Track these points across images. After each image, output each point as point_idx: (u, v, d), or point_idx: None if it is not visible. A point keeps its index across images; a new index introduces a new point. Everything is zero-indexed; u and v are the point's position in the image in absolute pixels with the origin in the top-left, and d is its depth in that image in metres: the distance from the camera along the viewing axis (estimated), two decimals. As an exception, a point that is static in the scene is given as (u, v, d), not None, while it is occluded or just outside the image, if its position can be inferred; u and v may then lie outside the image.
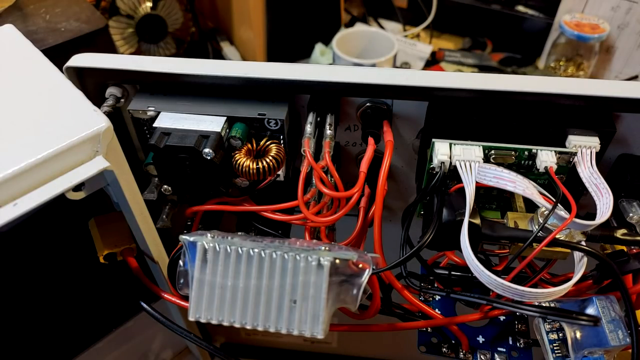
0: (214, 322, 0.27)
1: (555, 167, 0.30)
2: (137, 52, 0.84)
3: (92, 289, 0.44)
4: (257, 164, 0.32)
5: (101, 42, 0.57)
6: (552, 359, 0.30)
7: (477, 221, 0.29)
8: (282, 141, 0.34)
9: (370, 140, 0.33)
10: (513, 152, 0.31)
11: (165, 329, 0.35)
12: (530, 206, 0.31)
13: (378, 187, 0.31)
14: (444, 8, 0.98)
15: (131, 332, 0.50)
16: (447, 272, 0.37)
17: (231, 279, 0.27)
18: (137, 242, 0.37)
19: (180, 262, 0.28)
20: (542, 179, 0.32)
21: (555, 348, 0.30)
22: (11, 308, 0.40)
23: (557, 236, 0.28)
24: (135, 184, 0.32)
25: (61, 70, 0.32)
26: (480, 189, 0.34)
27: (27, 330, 0.42)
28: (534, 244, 0.29)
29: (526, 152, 0.31)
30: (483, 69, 0.92)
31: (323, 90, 0.33)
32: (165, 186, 0.35)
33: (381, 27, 1.03)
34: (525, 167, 0.32)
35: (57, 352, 0.45)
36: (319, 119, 0.34)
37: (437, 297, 0.38)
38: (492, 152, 0.31)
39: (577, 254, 0.29)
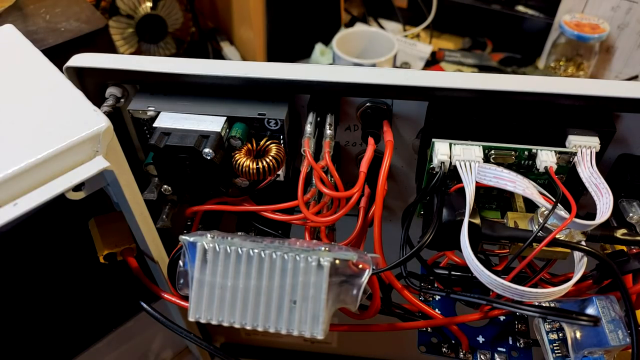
0: (213, 322, 0.27)
1: (555, 167, 0.30)
2: (137, 52, 0.84)
3: (92, 289, 0.44)
4: (257, 164, 0.32)
5: (101, 42, 0.57)
6: (552, 359, 0.30)
7: (477, 221, 0.29)
8: (282, 141, 0.34)
9: (370, 140, 0.33)
10: (513, 152, 0.31)
11: (165, 329, 0.35)
12: (530, 206, 0.31)
13: (378, 187, 0.31)
14: (444, 8, 0.98)
15: (131, 332, 0.50)
16: (447, 272, 0.37)
17: (231, 279, 0.27)
18: (137, 242, 0.37)
19: (180, 262, 0.28)
20: (542, 179, 0.32)
21: (555, 348, 0.30)
22: (11, 308, 0.40)
23: (557, 236, 0.28)
24: (135, 184, 0.32)
25: (61, 70, 0.32)
26: (480, 189, 0.34)
27: (27, 330, 0.42)
28: (534, 244, 0.29)
29: (526, 152, 0.31)
30: (483, 69, 0.92)
31: (323, 90, 0.33)
32: (165, 186, 0.35)
33: (381, 27, 1.03)
34: (525, 167, 0.32)
35: (57, 352, 0.45)
36: (319, 119, 0.34)
37: (437, 297, 0.38)
38: (492, 152, 0.31)
39: (577, 254, 0.29)
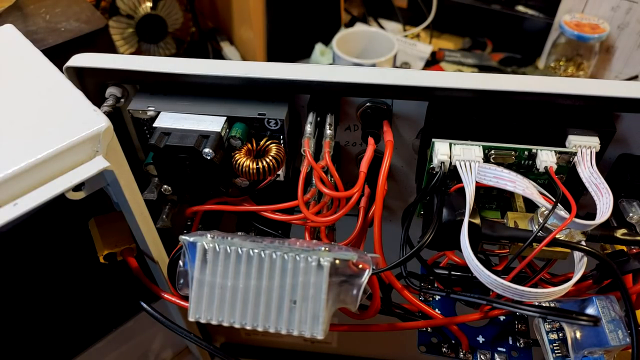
0: (213, 322, 0.27)
1: (555, 167, 0.30)
2: (137, 52, 0.84)
3: (92, 289, 0.44)
4: (257, 164, 0.32)
5: (101, 42, 0.57)
6: (552, 359, 0.30)
7: (477, 221, 0.29)
8: (282, 141, 0.34)
9: (370, 140, 0.33)
10: (513, 152, 0.31)
11: (165, 329, 0.35)
12: (530, 206, 0.31)
13: (378, 187, 0.31)
14: (444, 8, 0.98)
15: (131, 332, 0.50)
16: (447, 272, 0.37)
17: (231, 279, 0.27)
18: (137, 242, 0.37)
19: (180, 263, 0.28)
20: (542, 179, 0.32)
21: (555, 348, 0.30)
22: (11, 308, 0.40)
23: (557, 236, 0.28)
24: (135, 184, 0.32)
25: (61, 70, 0.32)
26: (480, 189, 0.34)
27: (27, 330, 0.42)
28: (534, 244, 0.29)
29: (526, 152, 0.31)
30: (483, 69, 0.92)
31: (323, 90, 0.33)
32: (165, 186, 0.35)
33: (381, 27, 1.03)
34: (525, 167, 0.32)
35: (57, 352, 0.45)
36: (319, 119, 0.34)
37: (437, 297, 0.38)
38: (492, 152, 0.31)
39: (577, 254, 0.29)
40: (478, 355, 0.36)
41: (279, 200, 0.34)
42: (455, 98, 0.32)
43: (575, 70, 0.89)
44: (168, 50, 0.88)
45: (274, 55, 0.90)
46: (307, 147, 0.32)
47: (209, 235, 0.28)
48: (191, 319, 0.27)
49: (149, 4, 0.82)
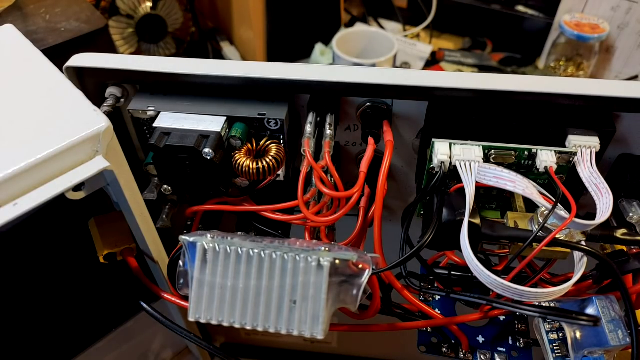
0: (213, 322, 0.27)
1: (555, 167, 0.30)
2: (137, 52, 0.84)
3: (92, 289, 0.44)
4: (257, 164, 0.32)
5: (101, 42, 0.57)
6: (552, 359, 0.30)
7: (477, 221, 0.29)
8: (282, 141, 0.34)
9: (370, 140, 0.33)
10: (513, 152, 0.31)
11: (165, 329, 0.35)
12: (530, 206, 0.31)
13: (378, 187, 0.31)
14: (444, 8, 0.98)
15: (131, 332, 0.50)
16: (447, 272, 0.37)
17: (231, 279, 0.27)
18: (137, 242, 0.37)
19: (180, 263, 0.28)
20: (542, 179, 0.32)
21: (555, 348, 0.30)
22: (11, 308, 0.40)
23: (557, 236, 0.28)
24: (135, 184, 0.32)
25: (61, 70, 0.32)
26: (480, 189, 0.34)
27: (27, 330, 0.42)
28: (534, 244, 0.29)
29: (526, 152, 0.31)
30: (483, 69, 0.92)
31: (323, 90, 0.33)
32: (165, 186, 0.35)
33: (381, 27, 1.03)
34: (525, 167, 0.32)
35: (57, 352, 0.45)
36: (319, 119, 0.34)
37: (437, 297, 0.38)
38: (492, 152, 0.31)
39: (577, 254, 0.29)
40: (478, 355, 0.36)
41: (279, 200, 0.34)
42: (455, 98, 0.32)
43: (575, 70, 0.89)
44: (168, 50, 0.88)
45: (274, 55, 0.90)
46: (307, 147, 0.32)
47: (209, 235, 0.28)
48: (191, 319, 0.27)
49: (149, 4, 0.82)
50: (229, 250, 0.27)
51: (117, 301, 0.46)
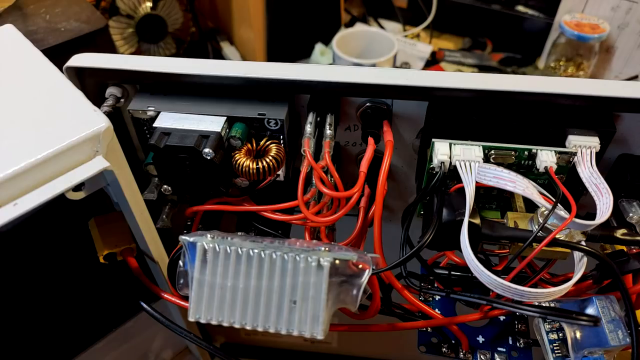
0: (213, 322, 0.27)
1: (555, 167, 0.30)
2: (137, 52, 0.84)
3: (92, 289, 0.44)
4: (257, 164, 0.32)
5: (101, 42, 0.57)
6: (552, 359, 0.30)
7: (477, 221, 0.29)
8: (282, 141, 0.34)
9: (370, 140, 0.33)
10: (513, 152, 0.31)
11: (165, 329, 0.35)
12: (530, 206, 0.31)
13: (378, 187, 0.31)
14: (444, 8, 0.98)
15: (131, 332, 0.50)
16: (447, 272, 0.37)
17: (231, 279, 0.27)
18: (137, 242, 0.37)
19: (180, 262, 0.28)
20: (542, 179, 0.32)
21: (555, 348, 0.30)
22: (11, 308, 0.40)
23: (557, 236, 0.28)
24: (135, 184, 0.32)
25: (61, 70, 0.32)
26: (480, 189, 0.34)
27: (27, 330, 0.42)
28: (534, 244, 0.29)
29: (526, 152, 0.31)
30: (483, 69, 0.92)
31: (323, 90, 0.33)
32: (165, 186, 0.35)
33: (381, 27, 1.03)
34: (525, 167, 0.32)
35: (57, 352, 0.45)
36: (319, 119, 0.34)
37: (437, 297, 0.38)
38: (492, 152, 0.31)
39: (577, 254, 0.29)
40: (478, 355, 0.36)
41: (279, 200, 0.34)
42: (455, 98, 0.32)
43: (575, 70, 0.89)
44: (168, 50, 0.88)
45: (274, 55, 0.90)
46: (307, 147, 0.32)
47: (209, 235, 0.28)
48: (191, 319, 0.27)
49: (149, 4, 0.82)
50: (229, 250, 0.27)
51: (117, 301, 0.46)
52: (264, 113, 0.33)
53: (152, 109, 0.33)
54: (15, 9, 0.57)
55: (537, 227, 0.29)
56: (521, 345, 0.36)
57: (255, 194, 0.36)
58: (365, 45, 0.89)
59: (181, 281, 0.29)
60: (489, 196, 0.35)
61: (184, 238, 0.28)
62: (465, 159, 0.30)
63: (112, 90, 0.34)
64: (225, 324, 0.27)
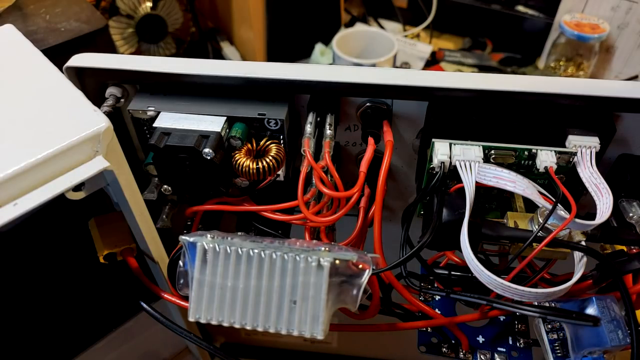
0: (213, 322, 0.27)
1: (555, 167, 0.30)
2: (137, 52, 0.84)
3: (92, 289, 0.44)
4: (257, 164, 0.32)
5: (101, 42, 0.57)
6: (552, 359, 0.30)
7: (477, 221, 0.29)
8: (282, 141, 0.34)
9: (370, 140, 0.33)
10: (513, 152, 0.31)
11: (165, 329, 0.35)
12: (530, 206, 0.31)
13: (378, 187, 0.31)
14: (444, 8, 0.98)
15: (131, 332, 0.50)
16: (447, 272, 0.37)
17: (231, 279, 0.27)
18: (137, 242, 0.37)
19: (180, 263, 0.28)
20: (542, 179, 0.32)
21: (555, 348, 0.30)
22: (11, 308, 0.40)
23: (557, 236, 0.28)
24: (135, 184, 0.32)
25: (61, 70, 0.32)
26: (480, 189, 0.34)
27: (27, 330, 0.42)
28: (534, 244, 0.29)
29: (526, 152, 0.31)
30: (483, 69, 0.92)
31: (323, 90, 0.33)
32: (165, 186, 0.35)
33: (381, 27, 1.03)
34: (525, 167, 0.32)
35: (57, 352, 0.45)
36: (319, 119, 0.34)
37: (437, 297, 0.38)
38: (492, 152, 0.31)
39: (577, 254, 0.29)
40: (478, 355, 0.36)
41: (279, 200, 0.34)
42: (455, 98, 0.32)
43: (575, 70, 0.89)
44: (168, 50, 0.88)
45: (274, 55, 0.90)
46: (307, 147, 0.32)
47: (209, 236, 0.28)
48: (191, 319, 0.27)
49: (149, 4, 0.82)
50: (229, 250, 0.27)
51: (117, 301, 0.46)
52: (264, 113, 0.33)
53: (152, 109, 0.33)
54: (15, 9, 0.57)
55: (537, 227, 0.29)
56: (521, 345, 0.36)
57: (255, 194, 0.36)
58: (365, 45, 0.89)
59: (181, 281, 0.29)
60: (489, 196, 0.35)
61: (184, 238, 0.28)
62: (465, 159, 0.30)
63: (112, 90, 0.34)
64: (225, 324, 0.27)
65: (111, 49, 0.60)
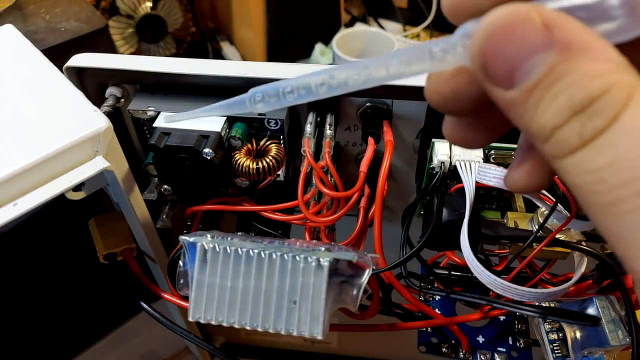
0: (213, 322, 0.27)
1: (555, 167, 0.30)
2: (137, 52, 0.84)
3: (92, 289, 0.44)
4: (257, 164, 0.32)
5: (101, 42, 0.57)
6: (552, 359, 0.30)
7: (477, 221, 0.29)
8: (282, 141, 0.34)
9: (370, 140, 0.33)
10: (513, 152, 0.31)
11: (165, 329, 0.35)
12: (530, 206, 0.31)
13: (378, 187, 0.31)
14: (444, 8, 0.98)
15: (131, 332, 0.50)
16: (447, 272, 0.37)
17: (231, 279, 0.27)
18: (137, 242, 0.37)
19: (180, 263, 0.28)
20: (542, 179, 0.32)
21: (555, 348, 0.30)
22: (11, 308, 0.40)
23: (557, 236, 0.28)
24: (135, 184, 0.32)
25: (61, 70, 0.32)
26: (480, 189, 0.34)
27: (27, 330, 0.42)
28: (534, 244, 0.29)
29: (526, 152, 0.31)
30: (483, 69, 0.92)
31: (323, 90, 0.33)
32: (165, 186, 0.35)
33: (381, 27, 1.03)
34: (525, 167, 0.32)
35: (57, 352, 0.45)
36: (319, 119, 0.34)
37: (437, 297, 0.38)
38: (492, 152, 0.31)
39: (577, 254, 0.29)
40: (478, 355, 0.36)
41: (279, 200, 0.34)
42: (455, 98, 0.32)
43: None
44: (168, 50, 0.88)
45: (274, 55, 0.90)
46: (307, 147, 0.32)
47: (209, 235, 0.28)
48: (191, 319, 0.27)
49: (149, 4, 0.82)
50: (228, 250, 0.27)
51: (117, 301, 0.46)
52: (264, 113, 0.33)
53: (152, 109, 0.33)
54: (15, 9, 0.57)
55: (537, 227, 0.29)
56: (521, 345, 0.36)
57: (255, 194, 0.36)
58: (365, 45, 0.89)
59: (181, 281, 0.29)
60: (489, 196, 0.35)
61: (184, 238, 0.28)
62: (465, 159, 0.30)
63: (112, 90, 0.34)
64: (225, 324, 0.27)
65: (111, 49, 0.60)
